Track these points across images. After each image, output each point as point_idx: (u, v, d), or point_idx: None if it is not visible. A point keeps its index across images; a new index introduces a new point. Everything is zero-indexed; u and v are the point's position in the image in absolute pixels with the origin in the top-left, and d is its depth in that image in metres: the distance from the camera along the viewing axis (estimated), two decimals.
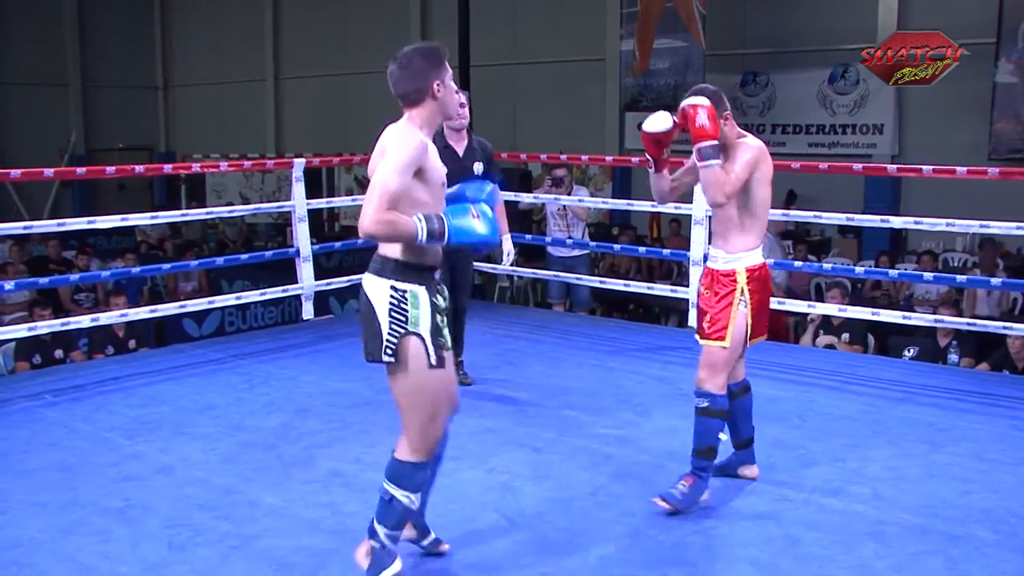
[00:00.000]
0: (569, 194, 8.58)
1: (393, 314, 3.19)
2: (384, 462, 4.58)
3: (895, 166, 9.71)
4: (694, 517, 4.04)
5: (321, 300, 8.37)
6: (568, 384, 6.06)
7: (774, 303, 7.81)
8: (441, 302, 3.30)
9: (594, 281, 8.57)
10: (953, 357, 7.67)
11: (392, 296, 3.20)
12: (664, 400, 5.61)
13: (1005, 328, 6.74)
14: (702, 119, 3.90)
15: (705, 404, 4.08)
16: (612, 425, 5.20)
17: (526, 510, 4.11)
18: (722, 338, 4.07)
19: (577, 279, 8.38)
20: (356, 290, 10.26)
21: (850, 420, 5.35)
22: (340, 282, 8.17)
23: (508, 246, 5.93)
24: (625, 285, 8.34)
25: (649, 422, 5.26)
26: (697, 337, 4.20)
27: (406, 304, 3.19)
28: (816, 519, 4.05)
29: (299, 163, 7.57)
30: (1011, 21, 11.94)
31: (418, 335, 3.20)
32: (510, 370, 6.42)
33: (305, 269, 7.47)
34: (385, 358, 3.21)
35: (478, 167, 5.52)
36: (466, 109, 5.52)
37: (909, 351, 7.89)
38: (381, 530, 3.31)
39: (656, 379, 6.11)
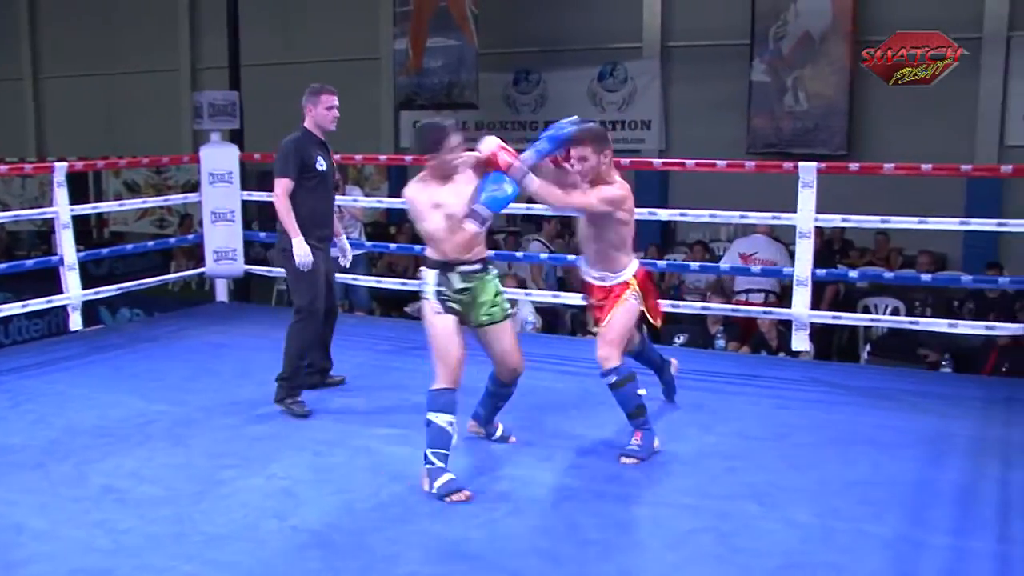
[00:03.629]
0: (343, 195, 8.52)
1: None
2: (161, 475, 4.48)
3: (660, 160, 10.06)
4: (475, 512, 4.09)
5: (90, 310, 8.04)
6: (347, 386, 6.02)
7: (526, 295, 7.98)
8: (456, 282, 4.46)
9: (371, 281, 8.55)
10: (720, 342, 8.04)
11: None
12: None
13: (765, 313, 7.12)
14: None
15: (613, 379, 4.65)
16: (393, 425, 5.20)
17: (308, 514, 4.07)
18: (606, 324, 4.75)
19: (354, 279, 8.32)
20: (127, 298, 9.86)
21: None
22: (110, 290, 7.85)
23: (346, 244, 6.20)
24: (402, 284, 8.33)
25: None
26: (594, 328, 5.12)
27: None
28: (595, 505, 4.17)
29: (61, 167, 7.22)
30: (763, 24, 12.63)
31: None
32: None
33: (71, 278, 7.15)
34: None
35: (333, 166, 5.90)
36: (336, 111, 5.80)
37: (679, 338, 8.22)
38: (430, 452, 4.27)
39: None
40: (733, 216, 7.04)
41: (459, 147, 4.49)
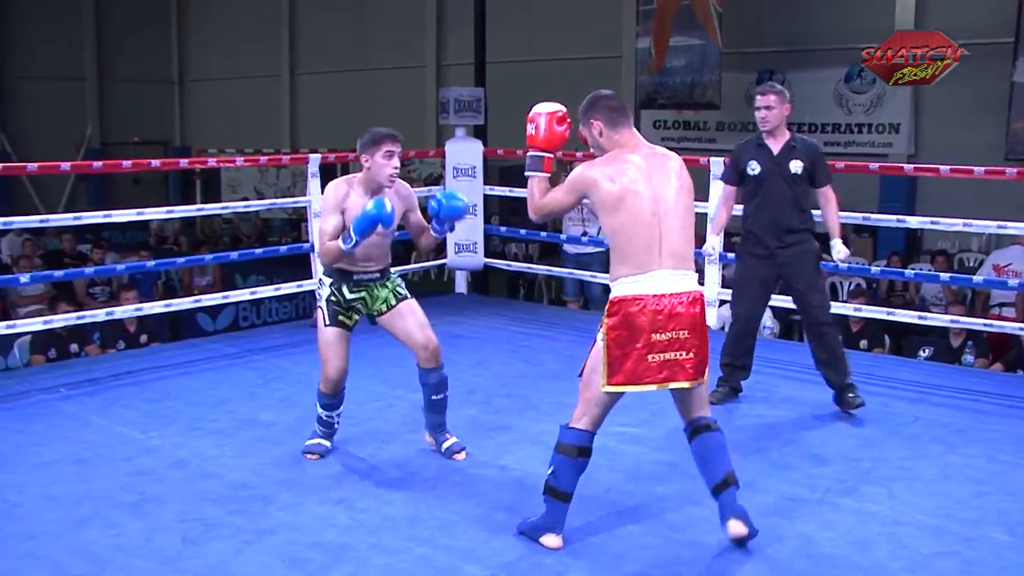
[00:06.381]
0: None
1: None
2: (398, 458, 4.60)
3: (912, 165, 9.66)
4: (709, 516, 4.03)
5: None
6: None
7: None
8: (347, 292, 4.61)
9: (607, 278, 8.54)
10: (968, 357, 7.65)
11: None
12: None
13: (1022, 330, 6.71)
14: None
15: (558, 440, 3.78)
16: (627, 423, 5.18)
17: (540, 508, 4.10)
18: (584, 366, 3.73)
19: (592, 276, 8.36)
20: None
21: (865, 420, 5.33)
22: None
23: (838, 247, 5.50)
24: None
25: (663, 421, 5.23)
26: None
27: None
28: (830, 518, 4.04)
29: (314, 159, 7.57)
30: None
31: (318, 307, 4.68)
32: (524, 367, 6.42)
33: (319, 264, 7.46)
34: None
35: (796, 166, 5.37)
36: (768, 111, 5.39)
37: (924, 351, 7.87)
38: (316, 426, 4.81)
39: None
40: (990, 225, 6.65)
41: (394, 159, 4.52)
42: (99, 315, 6.84)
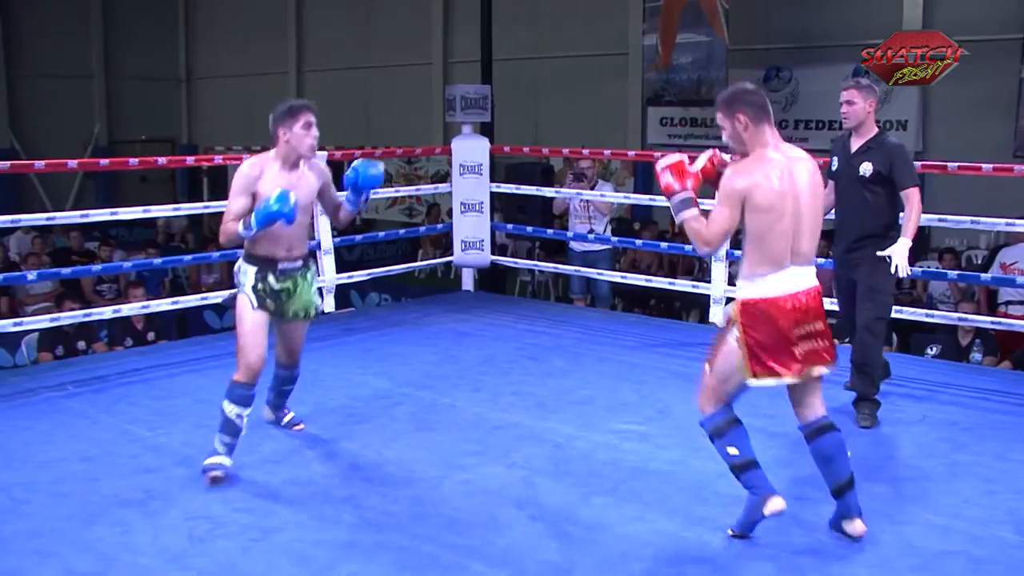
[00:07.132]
0: (593, 188, 8.55)
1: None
2: (404, 456, 4.61)
3: (920, 163, 9.55)
4: (714, 514, 4.02)
5: (342, 293, 8.38)
6: (589, 379, 6.04)
7: None
8: (273, 282, 4.49)
9: (615, 276, 8.54)
10: (976, 355, 7.63)
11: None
12: (685, 396, 5.58)
13: None
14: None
15: (705, 431, 3.87)
16: (633, 421, 5.19)
17: (546, 505, 4.11)
18: (710, 362, 3.87)
19: (598, 274, 8.35)
20: (376, 283, 10.29)
21: None
22: (361, 275, 8.18)
23: (896, 248, 5.14)
24: (647, 280, 8.32)
25: (670, 419, 5.24)
26: None
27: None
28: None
29: (321, 155, 7.54)
30: None
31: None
32: (531, 364, 6.41)
33: (326, 262, 7.48)
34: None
35: (866, 167, 5.12)
36: (849, 107, 5.15)
37: (932, 349, 7.85)
38: (217, 437, 4.40)
39: (677, 375, 6.08)
40: (998, 223, 6.63)
41: (313, 129, 4.46)
42: (106, 313, 6.85)
